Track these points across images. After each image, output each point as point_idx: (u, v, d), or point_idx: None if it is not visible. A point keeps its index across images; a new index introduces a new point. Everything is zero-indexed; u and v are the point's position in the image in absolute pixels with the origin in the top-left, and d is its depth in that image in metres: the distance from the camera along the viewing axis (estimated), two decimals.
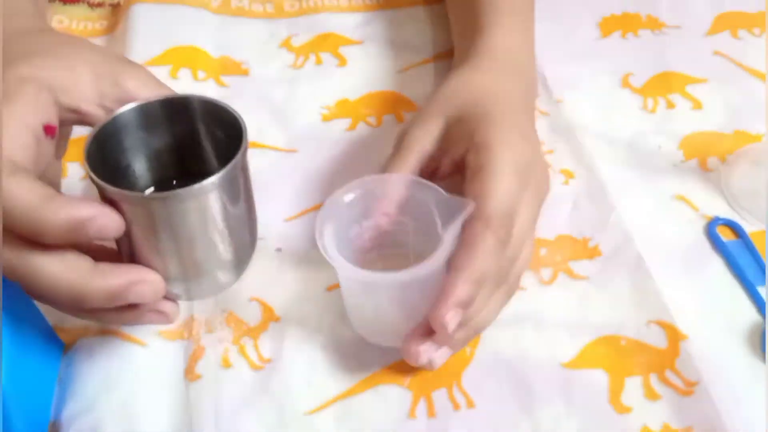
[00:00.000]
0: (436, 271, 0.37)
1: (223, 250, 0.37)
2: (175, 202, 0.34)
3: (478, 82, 0.46)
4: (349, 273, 0.37)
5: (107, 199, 0.34)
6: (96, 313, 0.36)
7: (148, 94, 0.38)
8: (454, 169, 0.43)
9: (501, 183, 0.38)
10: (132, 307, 0.36)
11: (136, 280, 0.33)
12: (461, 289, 0.36)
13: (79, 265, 0.33)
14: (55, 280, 0.32)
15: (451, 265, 0.37)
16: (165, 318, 0.37)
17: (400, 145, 0.44)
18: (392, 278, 0.36)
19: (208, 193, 0.34)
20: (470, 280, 0.36)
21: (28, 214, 0.31)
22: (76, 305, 0.33)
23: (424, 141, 0.44)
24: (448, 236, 0.37)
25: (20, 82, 0.35)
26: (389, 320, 0.41)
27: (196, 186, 0.33)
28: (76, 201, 0.32)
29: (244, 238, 0.38)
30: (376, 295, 0.40)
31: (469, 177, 0.40)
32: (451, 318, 0.36)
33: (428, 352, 0.39)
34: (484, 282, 0.37)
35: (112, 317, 0.36)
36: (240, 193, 0.36)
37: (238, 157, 0.35)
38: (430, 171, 0.44)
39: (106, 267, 0.33)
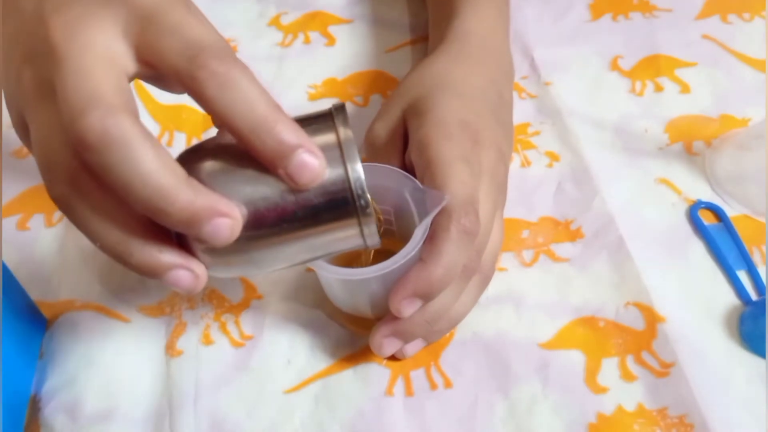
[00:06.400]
0: (411, 263, 0.37)
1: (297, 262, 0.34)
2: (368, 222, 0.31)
3: (436, 70, 0.46)
4: (322, 270, 0.37)
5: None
6: (142, 241, 0.29)
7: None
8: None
9: (452, 174, 0.38)
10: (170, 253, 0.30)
11: (224, 211, 0.28)
12: (422, 279, 0.36)
13: (177, 170, 0.28)
14: (147, 171, 0.27)
15: (420, 256, 0.37)
16: (190, 281, 0.30)
17: (365, 138, 0.45)
18: (363, 274, 0.36)
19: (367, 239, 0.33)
20: (432, 271, 0.36)
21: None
22: (149, 207, 0.28)
23: (385, 137, 0.44)
24: (419, 230, 0.37)
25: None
26: (366, 309, 0.41)
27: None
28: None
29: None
30: (351, 289, 0.40)
31: (419, 176, 0.40)
32: (406, 305, 0.36)
33: (392, 346, 0.39)
34: (451, 273, 0.36)
35: (144, 258, 0.29)
36: None
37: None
38: (402, 163, 0.43)
39: (197, 184, 0.29)
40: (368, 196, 0.31)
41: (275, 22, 0.63)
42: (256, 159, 0.30)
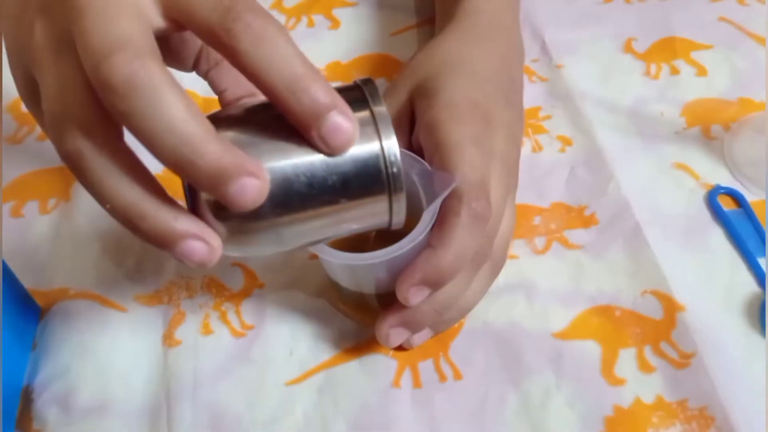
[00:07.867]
0: (418, 248, 0.35)
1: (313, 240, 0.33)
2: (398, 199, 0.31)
3: (446, 50, 0.45)
4: (325, 255, 0.36)
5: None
6: (159, 201, 0.27)
7: None
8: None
9: (462, 157, 0.36)
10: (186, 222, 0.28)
11: (252, 171, 0.27)
12: (431, 266, 0.34)
13: (205, 122, 0.26)
14: (175, 119, 0.25)
15: (429, 242, 0.36)
16: (204, 253, 0.28)
17: None
18: (369, 260, 0.35)
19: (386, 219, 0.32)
20: (442, 258, 0.34)
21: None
22: (175, 158, 0.26)
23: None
24: (427, 214, 0.35)
25: None
26: (372, 297, 0.39)
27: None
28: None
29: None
30: (356, 275, 0.39)
31: (427, 159, 0.38)
32: (414, 293, 0.35)
33: (399, 336, 0.37)
34: (461, 260, 0.35)
35: (157, 223, 0.27)
36: None
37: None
38: (409, 146, 0.42)
39: (226, 140, 0.27)
40: (401, 168, 0.30)
41: (278, 5, 0.62)
42: (281, 126, 0.28)
